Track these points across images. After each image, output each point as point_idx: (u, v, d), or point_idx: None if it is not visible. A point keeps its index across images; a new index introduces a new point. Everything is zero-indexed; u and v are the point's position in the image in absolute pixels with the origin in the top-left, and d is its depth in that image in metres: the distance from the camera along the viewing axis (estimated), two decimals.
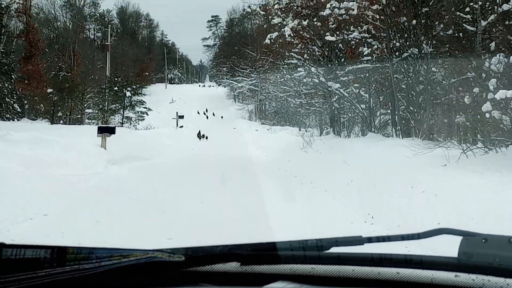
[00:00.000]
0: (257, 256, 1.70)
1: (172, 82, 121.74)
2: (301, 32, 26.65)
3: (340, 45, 25.73)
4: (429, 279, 1.54)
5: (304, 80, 37.40)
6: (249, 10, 66.30)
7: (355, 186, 13.58)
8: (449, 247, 1.74)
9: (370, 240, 1.74)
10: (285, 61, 36.86)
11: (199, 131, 45.47)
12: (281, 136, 38.50)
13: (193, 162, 24.24)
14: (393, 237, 1.77)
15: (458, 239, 1.66)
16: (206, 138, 45.02)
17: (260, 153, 30.02)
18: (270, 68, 64.18)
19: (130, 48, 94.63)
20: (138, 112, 49.32)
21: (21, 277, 1.40)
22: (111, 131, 21.65)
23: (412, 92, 19.04)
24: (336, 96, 26.66)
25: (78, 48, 54.54)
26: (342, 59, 26.34)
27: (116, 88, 47.90)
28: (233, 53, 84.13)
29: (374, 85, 23.46)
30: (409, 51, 19.06)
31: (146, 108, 50.41)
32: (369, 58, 21.76)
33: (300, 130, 49.24)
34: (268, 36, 28.46)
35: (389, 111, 23.02)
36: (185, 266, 1.65)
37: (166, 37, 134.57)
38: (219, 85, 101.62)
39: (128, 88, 48.38)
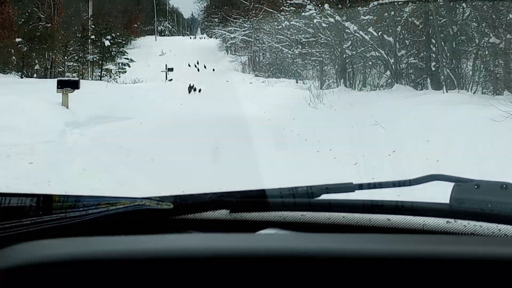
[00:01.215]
0: (247, 203, 1.66)
1: (163, 34, 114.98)
2: None
3: None
4: (420, 225, 1.51)
5: (309, 24, 33.00)
6: None
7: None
8: (441, 193, 1.67)
9: (361, 186, 1.70)
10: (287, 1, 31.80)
11: (190, 84, 40.48)
12: (278, 89, 34.23)
13: (179, 123, 19.81)
14: (384, 183, 1.74)
15: (450, 185, 1.60)
16: (199, 91, 40.45)
17: (258, 109, 25.68)
18: (264, 18, 60.17)
19: None
20: (119, 64, 44.09)
21: (5, 225, 1.36)
22: (74, 85, 17.28)
23: (459, 34, 14.60)
24: (350, 41, 22.32)
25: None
26: None
27: (93, 37, 42.50)
28: (225, 2, 78.81)
29: (401, 27, 18.87)
30: None
31: (128, 59, 45.17)
32: None
33: (297, 83, 45.90)
34: None
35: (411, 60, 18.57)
36: (173, 214, 1.63)
37: None
38: (210, 37, 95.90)
39: (107, 37, 42.75)
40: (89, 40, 41.91)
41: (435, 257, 1.12)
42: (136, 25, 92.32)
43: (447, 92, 14.21)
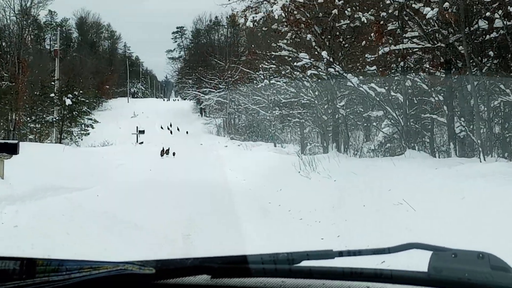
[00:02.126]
0: (228, 269, 1.67)
1: (136, 96, 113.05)
2: (295, 13, 19.13)
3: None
4: None
5: (290, 83, 30.24)
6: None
7: None
8: (419, 261, 1.69)
9: (341, 254, 1.71)
10: (272, 54, 28.81)
11: (163, 148, 37.11)
12: (257, 154, 31.08)
13: (146, 194, 16.43)
14: (364, 251, 1.73)
15: (428, 254, 1.64)
16: (173, 154, 37.11)
17: (237, 176, 22.50)
18: (240, 78, 57.83)
19: (89, 59, 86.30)
20: (82, 125, 39.87)
21: None
22: (11, 149, 13.80)
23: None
24: (344, 99, 19.37)
25: (24, 55, 45.82)
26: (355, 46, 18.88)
27: (52, 95, 38.44)
28: (200, 63, 76.29)
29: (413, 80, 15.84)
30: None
31: (91, 120, 41.22)
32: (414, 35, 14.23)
33: (275, 146, 43.29)
34: (251, 17, 20.43)
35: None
36: (155, 279, 1.61)
37: (129, 49, 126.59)
38: (184, 99, 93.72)
39: (69, 95, 38.63)
40: (49, 100, 37.69)
41: None
42: (108, 86, 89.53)
43: (484, 160, 11.11)
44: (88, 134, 40.88)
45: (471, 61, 12.30)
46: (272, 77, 33.26)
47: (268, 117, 47.34)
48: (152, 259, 1.67)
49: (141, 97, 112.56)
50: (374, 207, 9.93)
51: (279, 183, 17.14)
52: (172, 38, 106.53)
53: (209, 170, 25.26)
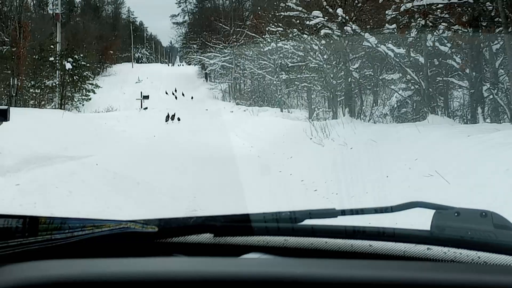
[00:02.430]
0: (231, 227, 1.66)
1: (140, 61, 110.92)
2: None
3: None
4: (402, 251, 1.52)
5: (298, 46, 29.02)
6: None
7: None
8: (422, 220, 1.71)
9: (343, 212, 1.69)
10: (281, 14, 27.59)
11: (168, 113, 36.00)
12: (264, 119, 29.96)
13: (147, 163, 15.39)
14: (366, 210, 1.75)
15: (431, 212, 1.62)
16: (178, 119, 36.12)
17: (243, 142, 21.60)
18: (246, 43, 56.43)
19: (93, 24, 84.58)
20: (82, 90, 38.16)
21: None
22: (1, 115, 12.68)
23: None
24: (358, 62, 18.20)
25: (25, 20, 44.22)
26: None
27: (52, 59, 35.46)
28: (204, 28, 74.74)
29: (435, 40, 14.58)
30: None
31: (92, 84, 39.42)
32: None
33: (282, 111, 42.17)
34: None
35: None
36: (158, 237, 1.61)
37: (133, 14, 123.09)
38: (189, 65, 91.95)
39: (69, 59, 36.44)
40: (48, 64, 35.83)
41: (415, 283, 1.17)
42: (111, 52, 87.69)
43: None
44: (90, 99, 39.17)
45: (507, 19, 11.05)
46: (279, 40, 31.91)
47: (274, 82, 46.14)
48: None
49: (146, 63, 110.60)
50: (399, 179, 8.89)
51: (289, 150, 16.17)
52: (176, 3, 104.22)
53: (215, 136, 24.26)
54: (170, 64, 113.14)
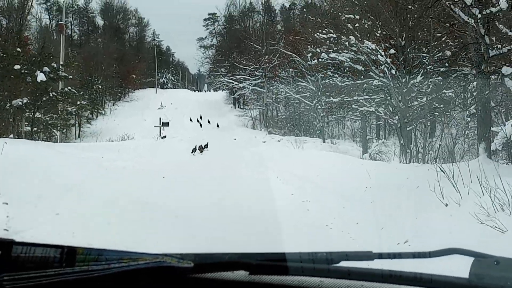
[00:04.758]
0: (266, 266, 1.63)
1: (165, 87, 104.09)
2: None
3: None
4: None
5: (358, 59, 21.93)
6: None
7: None
8: (460, 267, 1.65)
9: (380, 256, 1.67)
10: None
11: (196, 145, 28.42)
12: (312, 153, 22.44)
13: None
14: (403, 254, 1.77)
15: (470, 260, 1.58)
16: (206, 147, 29.34)
17: (292, 193, 14.39)
18: (280, 64, 49.64)
19: (112, 43, 78.00)
20: (62, 111, 28.00)
21: (30, 275, 1.36)
22: None
23: None
24: None
25: (26, 33, 36.60)
26: None
27: (18, 67, 24.75)
28: (233, 49, 67.70)
29: None
30: None
31: (84, 104, 29.55)
32: None
33: (324, 142, 35.09)
34: None
35: None
36: (193, 272, 1.58)
37: (158, 37, 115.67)
38: (216, 91, 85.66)
39: (45, 68, 25.16)
40: (12, 74, 25.48)
41: None
42: (134, 76, 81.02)
43: None
44: (68, 126, 30.32)
45: None
46: (330, 50, 24.43)
47: (314, 108, 39.16)
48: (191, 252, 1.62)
49: (171, 88, 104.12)
50: None
51: (399, 224, 8.64)
52: (204, 25, 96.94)
53: (248, 180, 16.78)
54: (196, 91, 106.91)
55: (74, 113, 28.34)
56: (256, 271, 1.59)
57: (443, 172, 9.49)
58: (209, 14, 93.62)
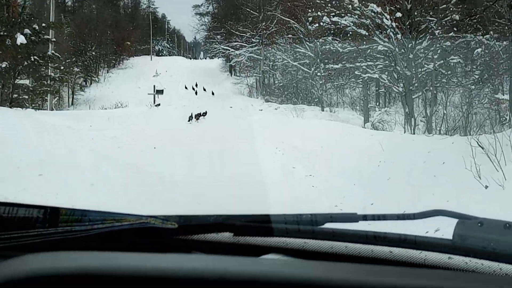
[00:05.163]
0: (251, 227, 1.63)
1: (160, 54, 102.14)
2: None
3: None
4: (422, 259, 1.48)
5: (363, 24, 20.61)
6: None
7: None
8: (444, 228, 1.61)
9: (365, 217, 1.67)
10: None
11: (192, 113, 27.46)
12: (312, 123, 21.14)
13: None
14: (388, 215, 1.73)
15: (454, 221, 1.55)
16: (204, 115, 28.27)
17: (294, 166, 12.93)
18: (277, 31, 48.17)
19: (106, 10, 76.11)
20: (43, 76, 25.02)
21: (12, 235, 1.38)
22: None
23: None
24: None
25: (25, 2, 34.39)
26: None
27: None
28: (229, 16, 65.80)
29: None
30: None
31: (57, 69, 26.42)
32: None
33: (323, 111, 33.90)
34: None
35: None
36: (177, 234, 1.60)
37: (153, 5, 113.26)
38: (212, 58, 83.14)
39: (26, 30, 22.34)
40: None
41: None
42: (129, 43, 79.37)
43: None
44: (56, 92, 27.94)
45: None
46: (332, 14, 22.90)
47: (312, 75, 37.84)
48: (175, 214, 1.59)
49: (167, 56, 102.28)
50: None
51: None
52: None
53: (245, 151, 15.53)
54: (192, 58, 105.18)
55: (57, 78, 25.70)
56: (241, 232, 1.58)
57: (481, 146, 8.12)
58: None
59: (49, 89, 24.42)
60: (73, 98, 57.37)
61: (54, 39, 23.92)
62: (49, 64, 23.65)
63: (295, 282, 1.11)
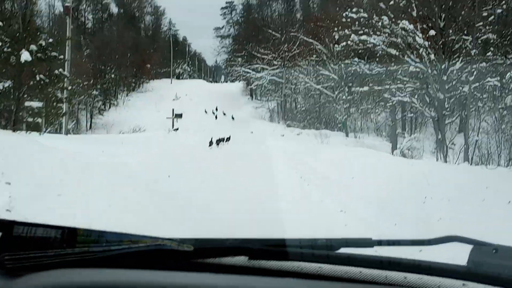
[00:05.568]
0: (266, 251, 1.60)
1: (181, 77, 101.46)
2: None
3: None
4: (437, 285, 1.45)
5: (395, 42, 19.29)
6: None
7: None
8: (459, 255, 1.60)
9: (380, 243, 1.64)
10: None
11: (212, 138, 26.41)
12: (340, 150, 19.63)
13: None
14: (403, 241, 1.76)
15: (469, 247, 1.56)
16: (227, 140, 27.67)
17: (329, 204, 11.31)
18: (300, 53, 46.87)
19: (126, 32, 75.22)
20: (52, 97, 22.43)
21: (30, 255, 1.38)
22: None
23: None
24: None
25: (31, 17, 33.06)
26: None
27: None
28: (251, 39, 64.72)
29: None
30: None
31: (65, 89, 23.68)
32: None
33: (347, 136, 32.50)
34: None
35: None
36: (193, 257, 1.57)
37: (174, 27, 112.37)
38: (232, 82, 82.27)
39: (31, 46, 20.44)
40: None
41: None
42: (149, 66, 78.38)
43: None
44: (63, 114, 25.93)
45: None
46: (359, 32, 21.43)
47: (336, 99, 36.57)
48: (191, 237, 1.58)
49: (187, 79, 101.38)
50: None
51: None
52: (221, 15, 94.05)
53: (265, 181, 14.06)
54: (213, 81, 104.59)
55: (64, 100, 23.49)
56: (256, 256, 1.57)
57: None
58: (226, 3, 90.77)
59: (57, 111, 22.55)
60: (91, 122, 56.62)
61: (61, 57, 22.08)
62: (57, 84, 21.77)
63: None
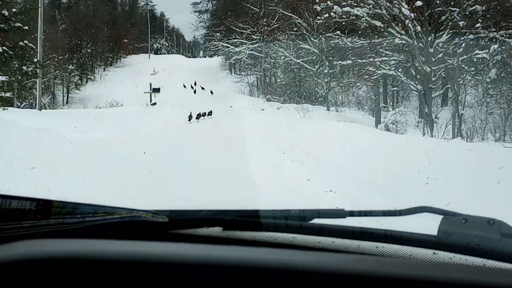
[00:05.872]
0: (240, 222, 1.62)
1: (159, 52, 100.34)
2: None
3: None
4: (408, 255, 1.47)
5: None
6: None
7: None
8: (429, 225, 1.62)
9: (352, 213, 1.65)
10: None
11: (191, 112, 25.91)
12: (326, 126, 18.72)
13: None
14: (374, 212, 1.71)
15: (439, 218, 1.58)
16: (209, 114, 27.36)
17: (316, 184, 10.51)
18: (279, 27, 46.04)
19: (103, 6, 73.86)
20: (17, 70, 21.69)
21: (4, 227, 1.37)
22: None
23: None
24: None
25: None
26: None
27: None
28: (229, 14, 64.04)
29: None
30: None
31: (36, 64, 22.50)
32: None
33: (329, 110, 31.91)
34: None
35: None
36: (168, 228, 1.58)
37: (151, 2, 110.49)
38: (211, 57, 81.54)
39: None
40: None
41: (420, 280, 1.16)
42: (126, 41, 77.09)
43: None
44: (26, 88, 24.68)
45: None
46: (342, 4, 20.58)
47: (317, 73, 35.83)
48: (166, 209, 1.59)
49: (165, 54, 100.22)
50: None
51: None
52: None
53: (249, 158, 13.34)
54: (191, 57, 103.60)
55: (30, 73, 22.31)
56: (230, 227, 1.58)
57: None
58: None
59: (22, 84, 21.36)
60: (68, 96, 55.57)
61: (26, 27, 20.78)
62: (23, 58, 20.63)
63: (281, 266, 1.14)
